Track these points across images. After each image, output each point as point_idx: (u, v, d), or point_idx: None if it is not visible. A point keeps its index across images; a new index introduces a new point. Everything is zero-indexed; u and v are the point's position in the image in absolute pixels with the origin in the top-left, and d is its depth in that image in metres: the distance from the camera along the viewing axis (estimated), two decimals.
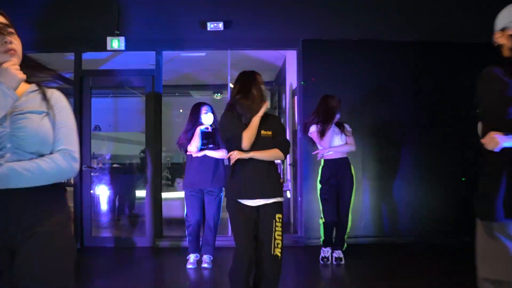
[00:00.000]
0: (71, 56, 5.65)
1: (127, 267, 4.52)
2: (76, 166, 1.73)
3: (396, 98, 5.43)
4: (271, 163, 2.98)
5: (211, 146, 4.23)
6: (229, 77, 5.81)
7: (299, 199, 5.52)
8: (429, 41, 5.45)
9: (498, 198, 1.86)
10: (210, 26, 5.32)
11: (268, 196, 2.90)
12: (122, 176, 7.77)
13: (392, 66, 5.40)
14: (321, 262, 4.54)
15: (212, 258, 4.40)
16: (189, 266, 4.36)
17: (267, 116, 3.00)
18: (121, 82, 5.96)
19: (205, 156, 4.31)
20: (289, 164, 6.63)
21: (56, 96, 1.78)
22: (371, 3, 5.48)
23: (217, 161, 4.36)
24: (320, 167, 4.52)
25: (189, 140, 4.32)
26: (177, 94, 9.79)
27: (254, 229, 2.90)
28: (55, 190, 1.71)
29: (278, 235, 2.87)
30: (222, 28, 5.33)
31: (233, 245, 2.93)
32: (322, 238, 4.56)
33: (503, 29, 2.00)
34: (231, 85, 5.56)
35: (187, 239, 4.48)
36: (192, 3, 5.49)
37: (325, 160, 4.50)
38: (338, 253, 4.51)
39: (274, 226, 2.87)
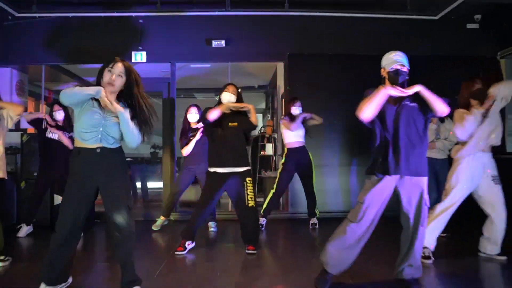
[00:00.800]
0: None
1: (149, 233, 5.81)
2: (140, 141, 3.01)
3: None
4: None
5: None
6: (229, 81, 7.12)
7: None
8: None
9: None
10: (215, 43, 6.55)
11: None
12: (137, 167, 9.16)
13: (360, 75, 6.28)
14: (263, 229, 5.52)
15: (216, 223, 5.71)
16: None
17: (238, 113, 4.45)
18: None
19: None
20: (279, 155, 7.93)
21: None
22: (342, 25, 6.69)
23: None
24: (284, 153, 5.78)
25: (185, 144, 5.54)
26: (182, 96, 11.07)
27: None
28: (121, 151, 3.04)
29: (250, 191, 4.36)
30: (224, 45, 6.56)
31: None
32: (264, 207, 5.63)
33: (383, 67, 3.27)
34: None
35: None
36: (199, 25, 6.65)
37: (288, 149, 5.74)
38: (314, 220, 5.83)
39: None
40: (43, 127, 5.40)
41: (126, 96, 2.95)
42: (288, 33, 6.74)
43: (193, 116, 5.60)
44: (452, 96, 4.19)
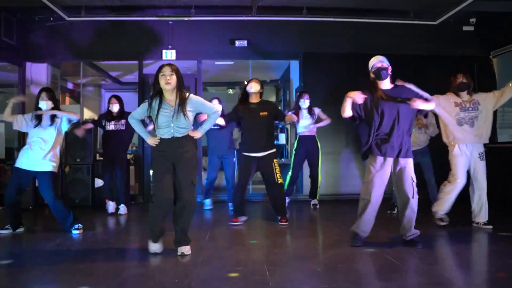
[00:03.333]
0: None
1: None
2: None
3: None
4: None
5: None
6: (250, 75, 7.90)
7: None
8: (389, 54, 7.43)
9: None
10: (238, 43, 7.31)
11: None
12: None
13: (364, 72, 7.15)
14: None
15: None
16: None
17: (264, 102, 5.27)
18: None
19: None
20: (292, 143, 8.69)
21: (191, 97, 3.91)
22: (353, 28, 7.38)
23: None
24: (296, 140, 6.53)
25: None
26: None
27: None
28: (192, 138, 3.86)
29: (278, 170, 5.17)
30: (246, 45, 7.30)
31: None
32: (285, 189, 6.07)
33: (370, 71, 4.11)
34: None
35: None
36: (224, 26, 7.35)
37: (299, 136, 6.49)
38: (315, 201, 6.59)
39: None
40: (103, 124, 6.25)
41: (180, 88, 3.77)
42: (303, 34, 7.48)
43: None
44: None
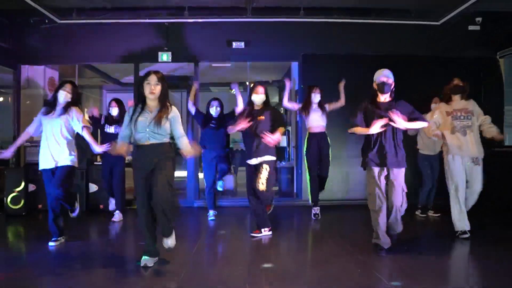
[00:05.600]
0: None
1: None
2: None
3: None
4: None
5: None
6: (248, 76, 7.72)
7: (300, 172, 7.44)
8: (395, 55, 7.20)
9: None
10: (235, 44, 7.11)
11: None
12: None
13: (367, 74, 6.93)
14: (314, 218, 6.02)
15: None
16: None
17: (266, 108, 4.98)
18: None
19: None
20: (293, 147, 8.51)
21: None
22: (352, 29, 7.18)
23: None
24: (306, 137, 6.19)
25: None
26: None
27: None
28: (169, 144, 3.80)
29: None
30: (243, 46, 7.10)
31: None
32: (310, 197, 6.11)
33: (374, 81, 4.13)
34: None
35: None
36: (220, 27, 7.16)
37: (309, 133, 6.15)
38: (316, 210, 6.06)
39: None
40: (101, 123, 6.11)
41: (163, 98, 3.75)
42: (302, 35, 7.27)
43: (214, 110, 6.06)
44: None
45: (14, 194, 6.39)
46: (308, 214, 6.18)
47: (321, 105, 6.16)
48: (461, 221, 4.68)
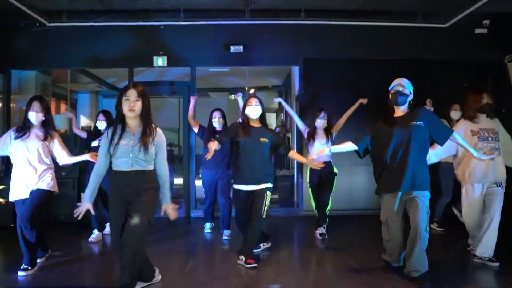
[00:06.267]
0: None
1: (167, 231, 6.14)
2: None
3: (373, 104, 6.23)
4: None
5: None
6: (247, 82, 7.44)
7: (300, 180, 7.15)
8: (400, 58, 6.98)
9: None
10: (233, 48, 6.83)
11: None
12: None
13: (370, 78, 6.65)
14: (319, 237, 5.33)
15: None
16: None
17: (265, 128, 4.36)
18: (164, 90, 7.59)
19: None
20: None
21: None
22: (354, 32, 6.94)
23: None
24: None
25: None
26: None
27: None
28: (151, 172, 3.32)
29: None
30: (242, 50, 6.82)
31: None
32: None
33: (390, 90, 3.75)
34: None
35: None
36: (218, 31, 6.93)
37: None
38: (322, 230, 5.37)
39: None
40: (85, 137, 5.72)
41: (145, 116, 3.28)
42: (303, 39, 7.02)
43: (217, 121, 5.54)
44: (461, 100, 4.54)
45: None
46: (309, 225, 5.87)
47: (327, 130, 5.47)
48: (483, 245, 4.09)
